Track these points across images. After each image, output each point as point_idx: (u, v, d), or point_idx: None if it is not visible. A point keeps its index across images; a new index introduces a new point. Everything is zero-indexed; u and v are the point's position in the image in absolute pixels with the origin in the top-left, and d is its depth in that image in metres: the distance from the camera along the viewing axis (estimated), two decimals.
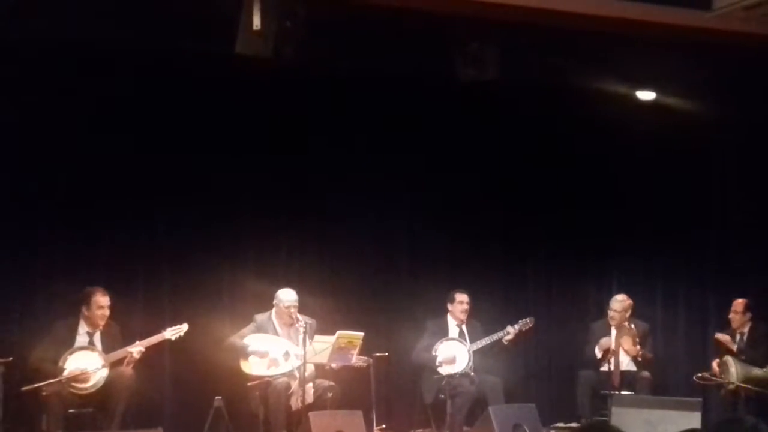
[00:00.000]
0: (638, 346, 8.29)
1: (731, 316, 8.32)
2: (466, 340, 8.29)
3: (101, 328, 7.18)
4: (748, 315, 8.26)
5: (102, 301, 7.13)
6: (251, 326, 7.59)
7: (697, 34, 7.09)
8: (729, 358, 7.98)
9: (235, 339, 7.50)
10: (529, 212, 9.11)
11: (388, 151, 8.58)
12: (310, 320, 7.50)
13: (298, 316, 7.46)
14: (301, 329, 7.20)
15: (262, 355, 7.42)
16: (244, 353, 7.40)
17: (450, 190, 8.88)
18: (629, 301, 8.52)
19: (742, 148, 8.77)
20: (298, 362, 7.22)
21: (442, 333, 8.33)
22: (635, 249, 9.39)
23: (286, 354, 7.44)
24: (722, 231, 9.01)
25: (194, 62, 7.59)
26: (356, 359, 7.47)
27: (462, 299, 8.40)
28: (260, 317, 7.65)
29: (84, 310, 7.14)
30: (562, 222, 9.17)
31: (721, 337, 8.27)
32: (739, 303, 8.29)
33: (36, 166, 7.54)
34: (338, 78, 8.10)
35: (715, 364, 8.10)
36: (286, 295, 7.63)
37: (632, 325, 8.35)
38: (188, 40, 7.08)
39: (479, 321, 8.53)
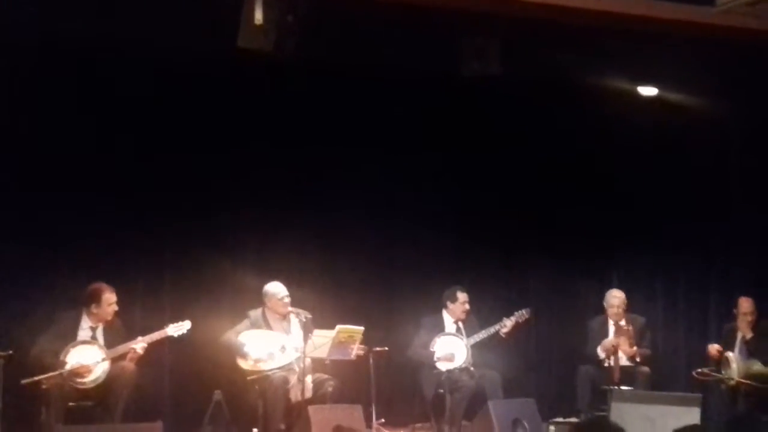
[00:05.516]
0: (635, 347, 8.28)
1: (735, 311, 8.28)
2: (463, 335, 8.27)
3: (105, 323, 7.17)
4: (755, 313, 8.21)
5: (111, 297, 7.15)
6: (246, 322, 7.59)
7: (700, 29, 7.05)
8: (730, 354, 7.97)
9: (230, 336, 7.50)
10: (530, 209, 9.09)
11: (388, 146, 8.56)
12: (308, 315, 7.51)
13: (296, 309, 7.49)
14: (300, 322, 7.19)
15: (257, 356, 7.39)
16: (240, 352, 7.40)
17: (450, 186, 8.87)
18: (623, 296, 8.52)
19: (745, 144, 8.73)
20: (296, 354, 7.22)
21: (438, 329, 8.30)
22: (635, 245, 9.36)
23: (282, 348, 7.43)
24: (724, 227, 8.97)
25: (195, 57, 7.55)
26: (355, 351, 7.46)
27: (464, 299, 8.35)
28: (253, 313, 7.66)
29: (93, 307, 7.14)
30: (563, 219, 9.14)
31: (712, 349, 8.20)
32: (744, 300, 8.25)
33: (39, 161, 7.52)
34: (340, 72, 8.06)
35: (712, 348, 8.06)
36: (277, 288, 7.65)
37: (630, 327, 8.33)
38: (190, 34, 7.05)
39: (476, 316, 8.51)
